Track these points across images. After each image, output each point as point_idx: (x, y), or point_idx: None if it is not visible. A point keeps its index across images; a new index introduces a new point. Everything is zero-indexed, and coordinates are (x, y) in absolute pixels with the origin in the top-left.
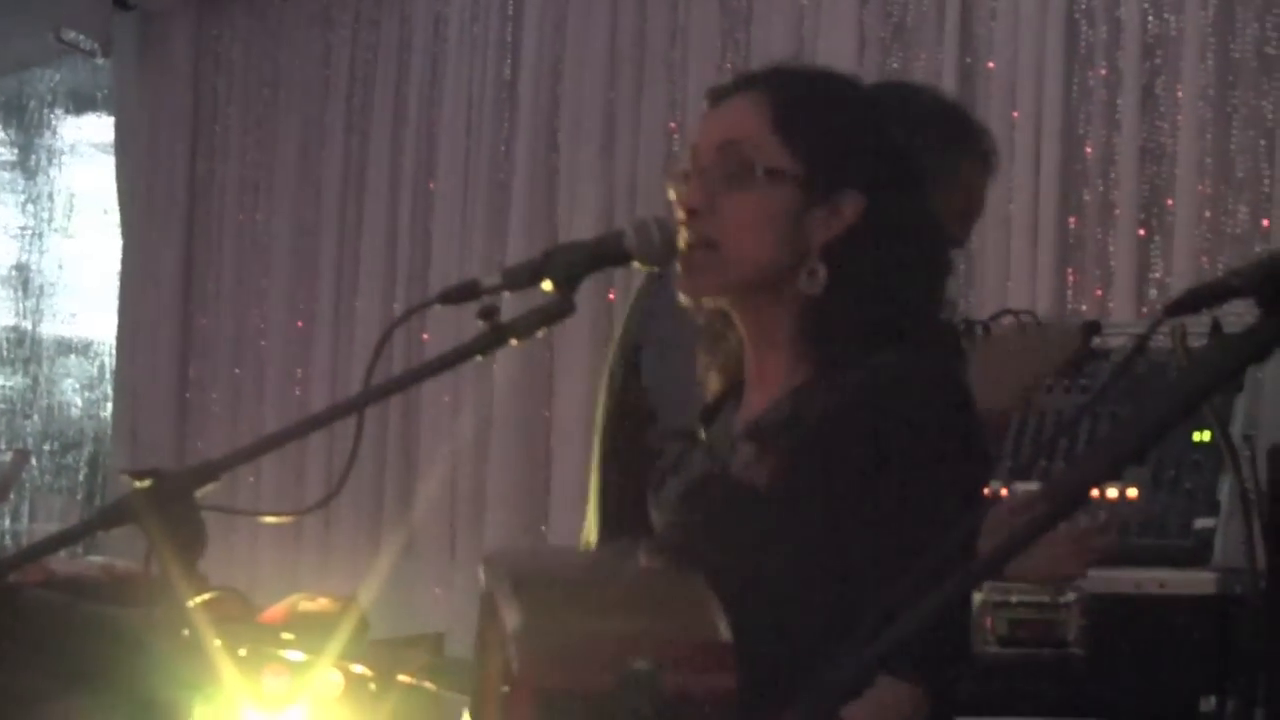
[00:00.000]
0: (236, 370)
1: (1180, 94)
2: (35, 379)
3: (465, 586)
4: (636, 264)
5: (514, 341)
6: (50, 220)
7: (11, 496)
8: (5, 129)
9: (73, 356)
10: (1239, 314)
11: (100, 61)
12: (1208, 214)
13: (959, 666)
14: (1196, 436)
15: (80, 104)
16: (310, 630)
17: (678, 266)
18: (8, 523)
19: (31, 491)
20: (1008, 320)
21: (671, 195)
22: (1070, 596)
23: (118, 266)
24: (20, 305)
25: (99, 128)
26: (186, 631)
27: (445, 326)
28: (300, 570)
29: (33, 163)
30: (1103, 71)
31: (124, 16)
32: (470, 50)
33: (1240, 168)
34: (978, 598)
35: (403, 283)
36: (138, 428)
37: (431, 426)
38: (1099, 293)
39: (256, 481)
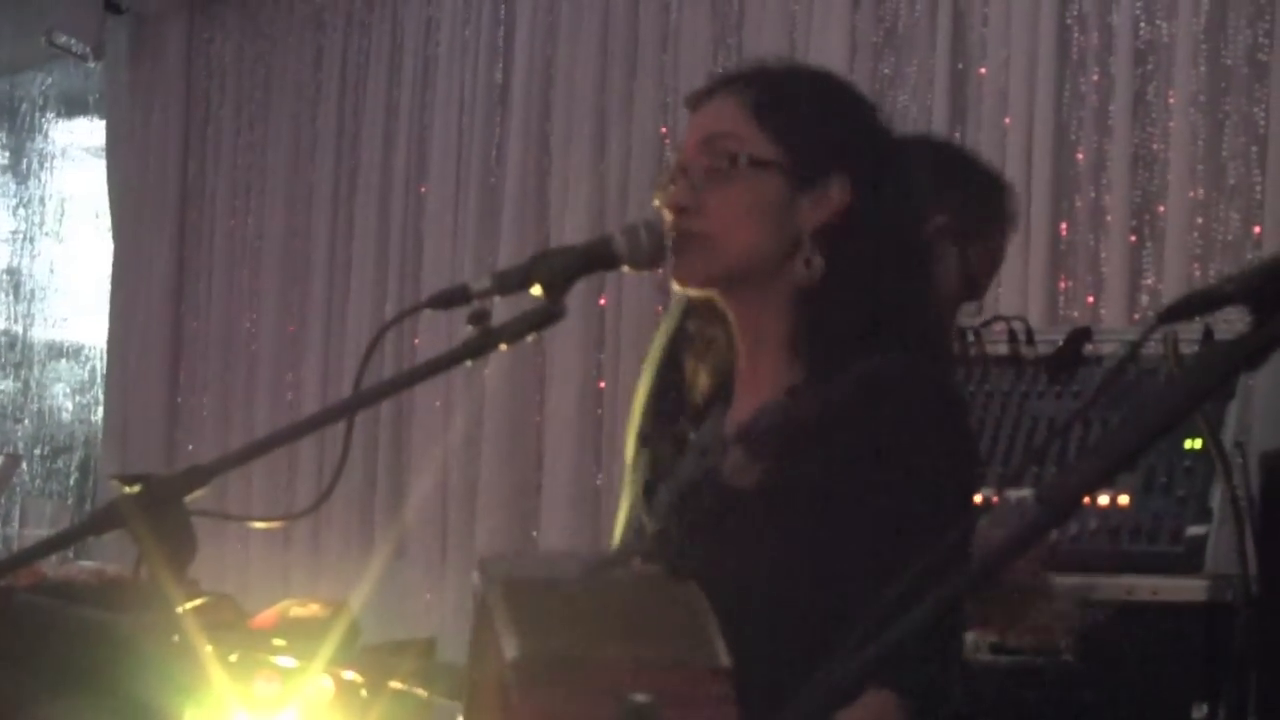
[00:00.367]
0: (227, 374)
1: (1172, 100)
2: (26, 383)
3: (456, 591)
4: (626, 268)
5: (504, 346)
6: (41, 224)
7: (2, 501)
8: None
9: (64, 360)
10: (1230, 321)
11: (92, 65)
12: (1199, 220)
13: (944, 674)
14: (1188, 443)
15: (72, 108)
16: (301, 636)
17: (670, 258)
18: None
19: (22, 496)
20: (999, 326)
21: (657, 204)
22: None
23: (109, 270)
24: (11, 309)
25: (90, 131)
26: (177, 637)
27: (436, 331)
28: (291, 575)
29: (24, 166)
30: (1094, 77)
31: (116, 20)
32: (462, 54)
33: (1232, 174)
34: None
35: (394, 286)
36: (129, 432)
37: (422, 431)
38: (1090, 299)
39: (247, 486)
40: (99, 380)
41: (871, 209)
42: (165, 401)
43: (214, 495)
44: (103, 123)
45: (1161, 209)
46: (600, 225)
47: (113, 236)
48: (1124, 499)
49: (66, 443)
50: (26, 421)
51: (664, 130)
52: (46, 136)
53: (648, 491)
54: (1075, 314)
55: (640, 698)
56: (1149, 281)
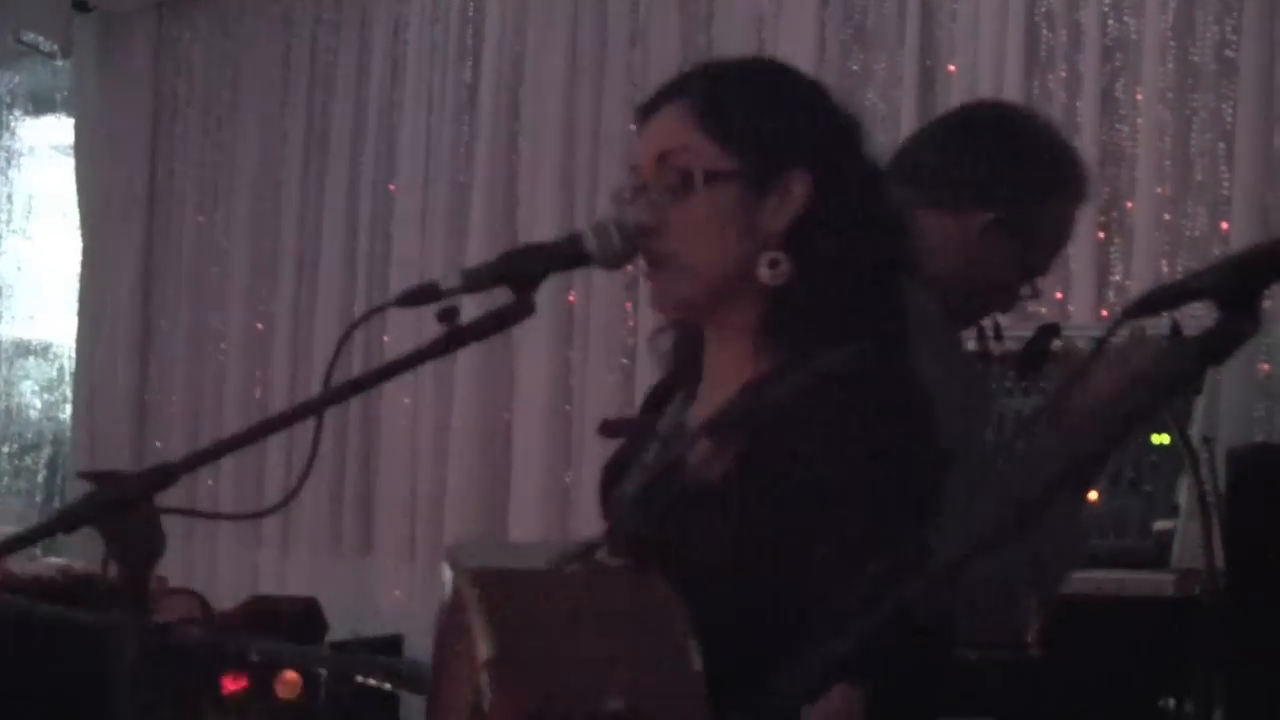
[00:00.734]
0: (196, 372)
1: (1140, 97)
2: None
3: (424, 588)
4: (596, 266)
5: (472, 343)
6: (9, 222)
7: None
8: None
9: (31, 358)
10: (1197, 316)
11: (60, 63)
12: (1167, 217)
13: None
14: (1155, 439)
15: (40, 105)
16: (269, 632)
17: (647, 284)
18: None
19: None
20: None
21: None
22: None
23: (77, 268)
24: None
25: (58, 129)
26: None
27: (405, 328)
28: (259, 572)
29: None
30: (1062, 74)
31: (84, 18)
32: (430, 53)
33: (1199, 170)
34: None
35: (362, 284)
36: (97, 429)
37: (391, 428)
38: (1059, 295)
39: (215, 483)
40: (67, 378)
41: (833, 196)
42: (133, 399)
43: (182, 492)
44: (71, 121)
45: (1129, 205)
46: (569, 223)
47: (81, 234)
48: (1092, 494)
49: (34, 440)
50: None
51: (633, 129)
52: (14, 134)
53: (610, 481)
54: (1043, 309)
55: (614, 704)
56: (1117, 278)
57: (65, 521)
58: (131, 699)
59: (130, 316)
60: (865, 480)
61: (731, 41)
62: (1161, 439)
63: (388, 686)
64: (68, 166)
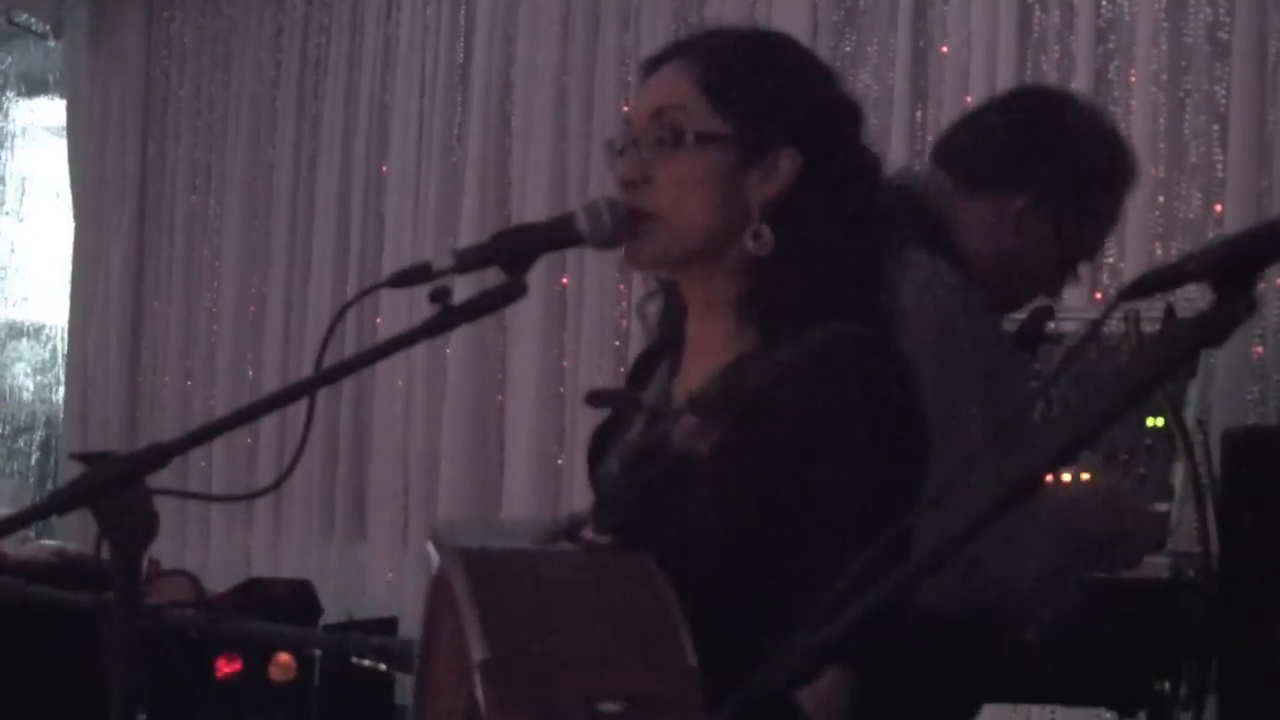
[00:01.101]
0: (188, 354)
1: (1133, 78)
2: None
3: (417, 571)
4: (588, 246)
5: (465, 324)
6: (2, 203)
7: None
8: None
9: (24, 340)
10: (1191, 299)
11: (52, 44)
12: (1161, 199)
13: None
14: (1150, 421)
15: (32, 87)
16: (263, 615)
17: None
18: None
19: None
20: None
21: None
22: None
23: (69, 250)
24: None
25: (51, 111)
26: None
27: (398, 309)
28: (252, 554)
29: None
30: (1055, 56)
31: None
32: (422, 33)
33: (1193, 153)
34: None
35: (355, 266)
36: (90, 411)
37: (384, 409)
38: None
39: (208, 464)
40: (60, 360)
41: (822, 180)
42: (126, 381)
43: (175, 474)
44: (63, 102)
45: None
46: (561, 204)
47: (73, 216)
48: (1086, 476)
49: (27, 422)
50: None
51: (625, 109)
52: (6, 115)
53: (598, 452)
54: None
55: (609, 706)
56: (1110, 260)
57: (59, 503)
58: (125, 681)
59: (122, 298)
60: (850, 460)
61: (724, 21)
62: (1156, 421)
63: (383, 667)
64: (60, 148)
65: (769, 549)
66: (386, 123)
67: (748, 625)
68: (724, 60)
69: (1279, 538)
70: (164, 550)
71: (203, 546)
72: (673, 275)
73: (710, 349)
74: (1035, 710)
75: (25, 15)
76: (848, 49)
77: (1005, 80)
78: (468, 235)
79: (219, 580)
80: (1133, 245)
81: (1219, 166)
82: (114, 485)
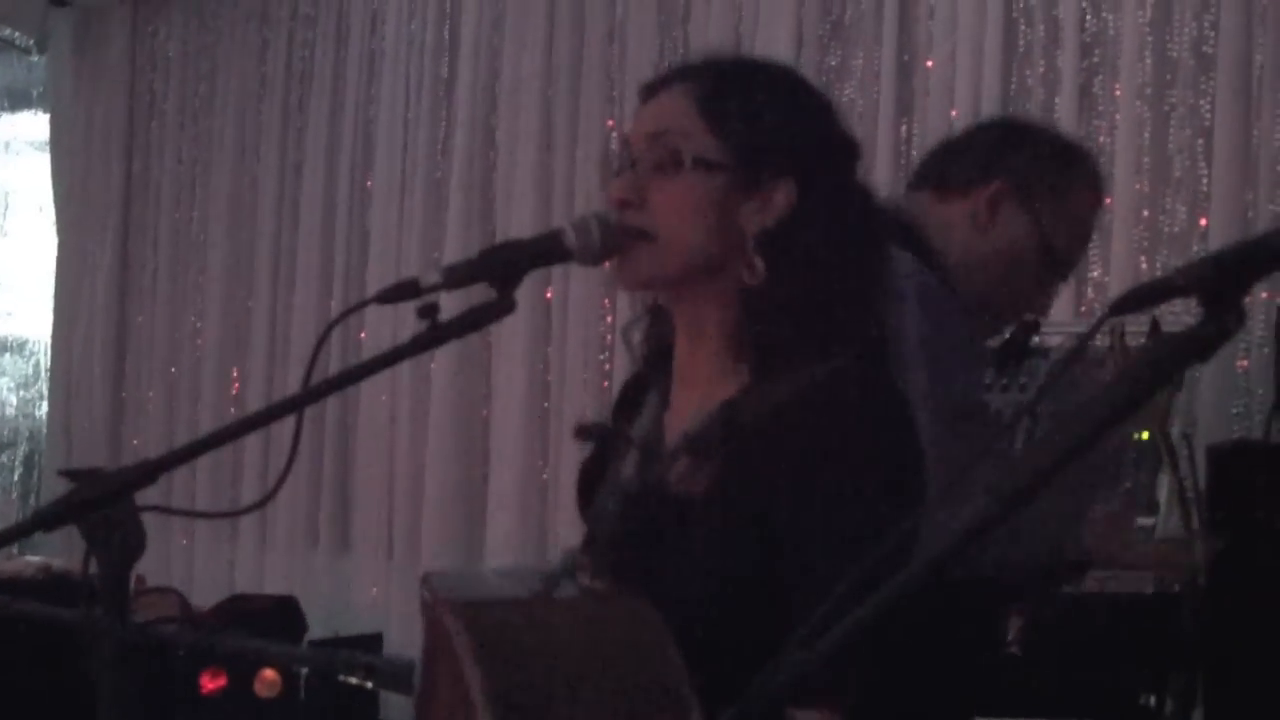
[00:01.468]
0: (172, 368)
1: (1118, 93)
2: None
3: (402, 585)
4: (576, 262)
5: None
6: None
7: None
8: None
9: (7, 355)
10: (1176, 313)
11: (36, 58)
12: (1145, 213)
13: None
14: (1135, 435)
15: (15, 101)
16: (248, 630)
17: (615, 259)
18: None
19: None
20: None
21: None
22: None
23: (53, 264)
24: None
25: (34, 125)
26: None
27: (382, 323)
28: (237, 570)
29: None
30: (1041, 70)
31: (59, 13)
32: (407, 48)
33: (1178, 166)
34: None
35: (340, 280)
36: (73, 427)
37: (369, 425)
38: None
39: (192, 480)
40: (43, 375)
41: (816, 213)
42: (110, 396)
43: (159, 489)
44: (47, 116)
45: (1108, 201)
46: (546, 218)
47: (57, 230)
48: None
49: (10, 438)
50: None
51: (610, 124)
52: None
53: (588, 487)
54: None
55: None
56: (1095, 274)
57: (48, 519)
58: (110, 697)
59: (107, 313)
60: (846, 498)
61: (709, 36)
62: (1141, 435)
63: (369, 685)
64: (44, 162)
65: (767, 588)
66: (371, 136)
67: (747, 663)
68: (726, 88)
69: (1264, 550)
70: (148, 566)
71: (187, 562)
72: (662, 298)
73: (699, 380)
74: None
75: (9, 30)
76: (833, 63)
77: (990, 94)
78: (452, 249)
79: (203, 596)
80: (1118, 259)
81: (1204, 180)
82: (103, 501)
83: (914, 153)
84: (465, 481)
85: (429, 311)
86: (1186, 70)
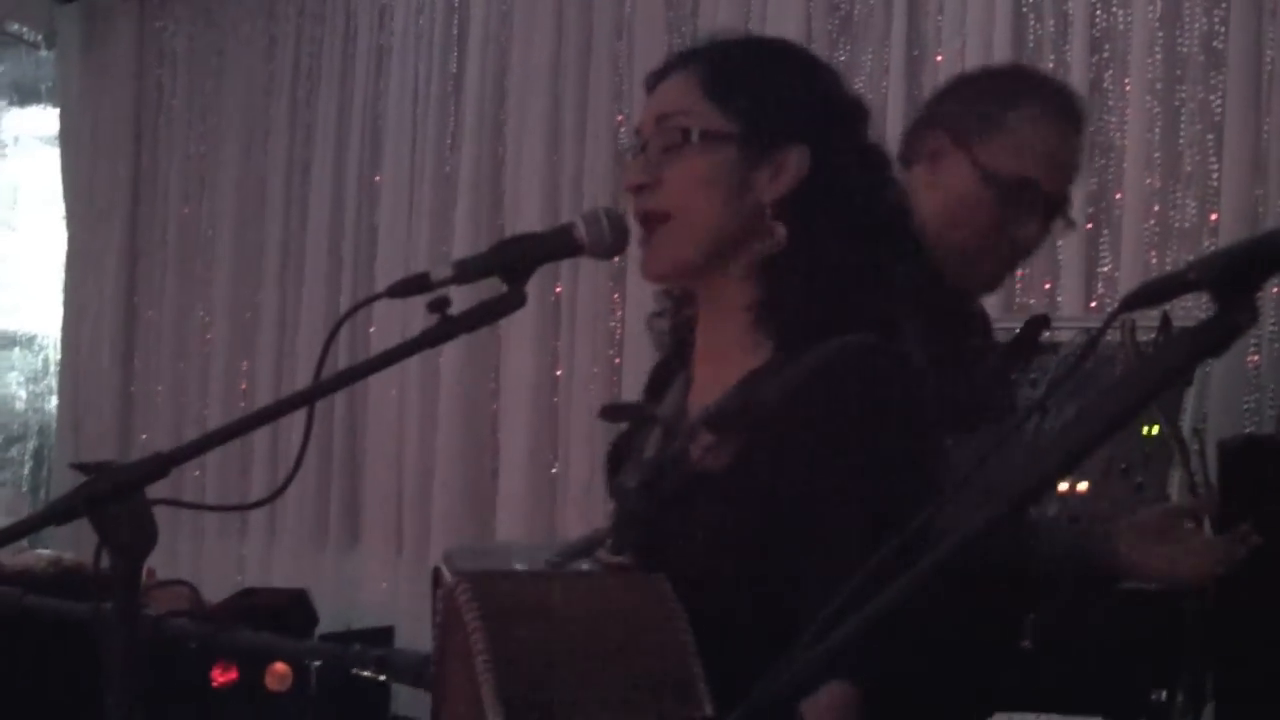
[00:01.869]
0: (181, 363)
1: (1128, 88)
2: None
3: (413, 579)
4: (588, 256)
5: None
6: None
7: None
8: None
9: (16, 349)
10: (1187, 308)
11: (44, 54)
12: (1156, 208)
13: (908, 664)
14: (1146, 430)
15: (24, 96)
16: (259, 624)
17: (639, 251)
18: None
19: None
20: None
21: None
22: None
23: (62, 259)
24: None
25: (43, 120)
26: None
27: (391, 318)
28: (247, 563)
29: None
30: (1050, 65)
31: (67, 9)
32: (415, 42)
33: (1188, 161)
34: None
35: (348, 275)
36: (82, 420)
37: (377, 420)
38: (1047, 285)
39: (201, 473)
40: (52, 369)
41: (831, 176)
42: (119, 390)
43: (169, 483)
44: (55, 111)
45: (1118, 196)
46: (555, 213)
47: (66, 225)
48: (1082, 485)
49: (20, 432)
50: None
51: (619, 118)
52: None
53: (615, 466)
54: (1032, 301)
55: None
56: (1106, 269)
57: (60, 513)
58: (122, 691)
59: (115, 308)
60: (862, 473)
61: (719, 30)
62: (1152, 430)
63: (381, 678)
64: (53, 157)
65: (785, 563)
66: (379, 131)
67: (765, 640)
68: (726, 64)
69: (1276, 545)
70: (158, 560)
71: (197, 555)
72: (688, 282)
73: (723, 356)
74: (1031, 718)
75: (17, 25)
76: (842, 58)
77: None
78: (461, 244)
79: (213, 589)
80: (1128, 254)
81: (1214, 175)
82: (114, 495)
83: None
84: (474, 476)
85: (439, 305)
86: (1196, 65)
